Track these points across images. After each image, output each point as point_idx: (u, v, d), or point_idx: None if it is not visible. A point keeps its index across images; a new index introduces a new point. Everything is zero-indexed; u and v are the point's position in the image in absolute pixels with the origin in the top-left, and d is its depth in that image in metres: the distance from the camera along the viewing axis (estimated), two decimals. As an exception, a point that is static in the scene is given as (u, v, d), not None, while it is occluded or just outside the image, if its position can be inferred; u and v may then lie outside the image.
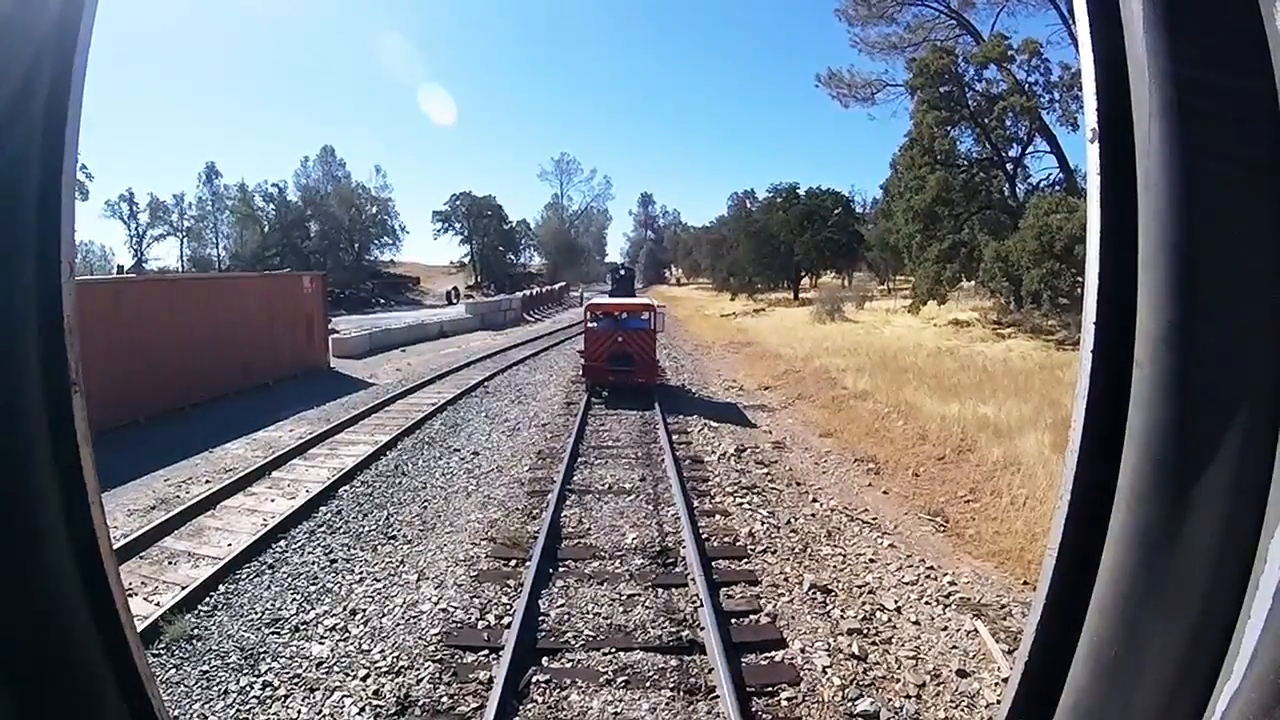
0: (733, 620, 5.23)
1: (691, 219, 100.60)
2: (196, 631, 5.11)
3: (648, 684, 4.46)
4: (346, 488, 8.52)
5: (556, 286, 58.70)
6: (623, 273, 45.70)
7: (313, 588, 5.88)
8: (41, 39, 0.88)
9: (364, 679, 4.53)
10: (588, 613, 5.36)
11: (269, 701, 4.33)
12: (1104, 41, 0.85)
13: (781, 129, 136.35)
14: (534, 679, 4.49)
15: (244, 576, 6.05)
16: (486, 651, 4.83)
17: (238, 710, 4.26)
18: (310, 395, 14.66)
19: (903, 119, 36.63)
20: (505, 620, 5.21)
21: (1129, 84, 0.82)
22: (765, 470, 9.30)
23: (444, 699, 4.33)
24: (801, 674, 4.58)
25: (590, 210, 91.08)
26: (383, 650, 4.87)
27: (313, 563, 6.37)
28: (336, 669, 4.67)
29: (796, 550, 6.60)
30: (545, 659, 4.74)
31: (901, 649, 4.95)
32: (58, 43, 0.90)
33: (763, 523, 7.24)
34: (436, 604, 5.53)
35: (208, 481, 8.88)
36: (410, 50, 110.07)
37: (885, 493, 8.50)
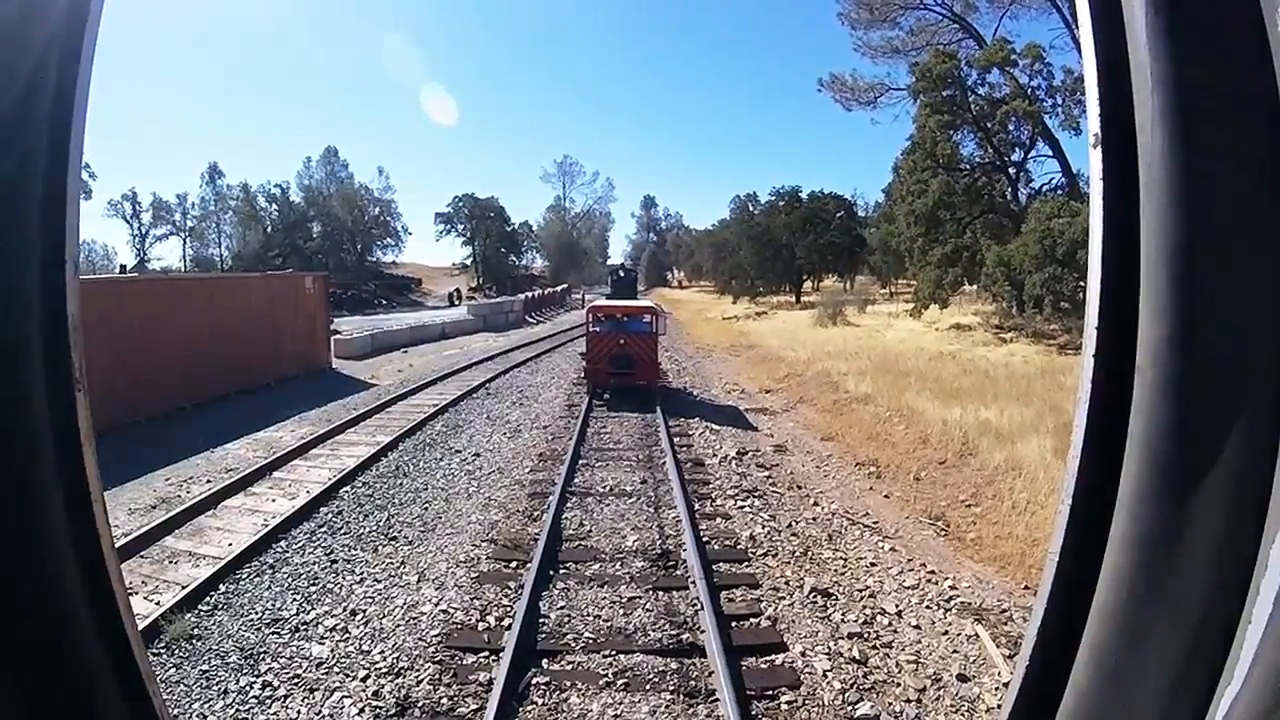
0: (733, 623, 5.22)
1: (694, 222, 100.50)
2: (197, 631, 5.10)
3: (648, 686, 4.45)
4: (347, 488, 8.52)
5: (558, 288, 58.75)
6: (623, 274, 45.68)
7: (313, 588, 5.88)
8: (48, 39, 0.88)
9: (364, 680, 4.53)
10: (588, 615, 5.35)
11: (269, 702, 4.33)
12: (1106, 45, 0.85)
13: (784, 133, 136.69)
14: (534, 681, 4.49)
15: (244, 576, 6.05)
16: (486, 653, 4.83)
17: (237, 710, 4.26)
18: (312, 396, 14.68)
19: (905, 123, 36.78)
20: (505, 622, 5.20)
21: (1131, 88, 0.82)
22: (766, 473, 9.28)
23: (443, 700, 4.33)
24: (802, 677, 4.57)
25: (592, 212, 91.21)
26: (383, 651, 4.87)
27: (313, 563, 6.37)
28: (336, 669, 4.67)
29: (797, 553, 6.59)
30: (545, 661, 4.73)
31: (902, 653, 4.94)
32: (64, 43, 0.91)
33: (764, 526, 7.23)
34: (437, 605, 5.53)
35: (209, 481, 8.89)
36: (413, 52, 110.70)
37: (886, 496, 8.49)
